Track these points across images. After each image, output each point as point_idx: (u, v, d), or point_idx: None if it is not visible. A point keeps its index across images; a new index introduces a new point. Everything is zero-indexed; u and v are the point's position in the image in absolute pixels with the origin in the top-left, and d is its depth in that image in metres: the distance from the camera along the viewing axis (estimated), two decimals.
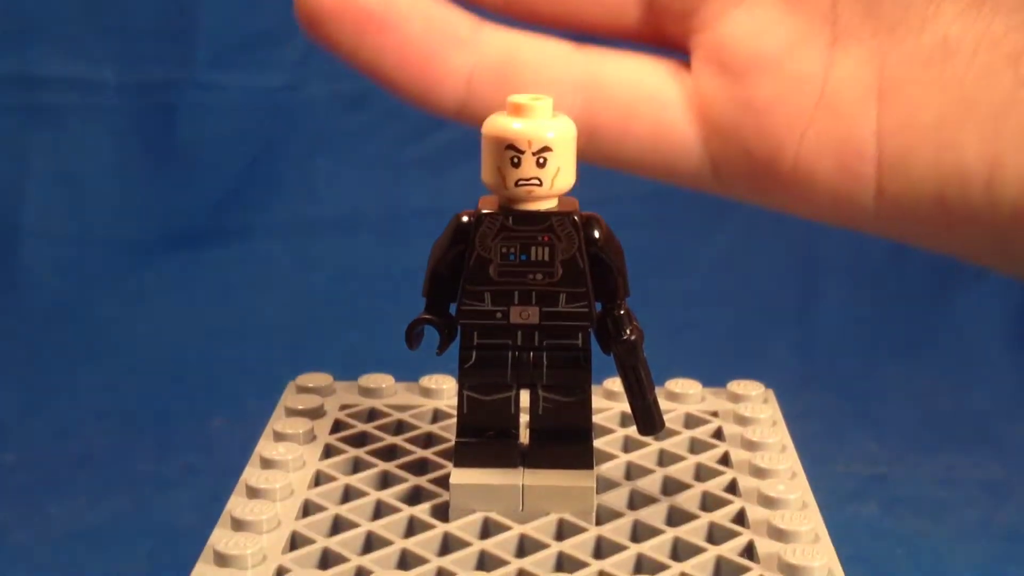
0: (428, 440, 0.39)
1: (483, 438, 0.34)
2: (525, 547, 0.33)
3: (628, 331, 0.33)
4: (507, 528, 0.33)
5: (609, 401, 0.41)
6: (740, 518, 0.35)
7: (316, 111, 0.93)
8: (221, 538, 0.32)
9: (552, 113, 0.32)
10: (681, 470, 0.37)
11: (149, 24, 0.91)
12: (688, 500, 0.35)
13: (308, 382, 0.42)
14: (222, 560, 0.32)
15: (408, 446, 0.38)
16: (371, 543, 0.33)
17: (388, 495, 0.35)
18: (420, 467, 0.37)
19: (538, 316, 0.33)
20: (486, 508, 0.34)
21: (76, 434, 0.75)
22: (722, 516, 0.34)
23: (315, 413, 0.40)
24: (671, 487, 0.36)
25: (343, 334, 0.85)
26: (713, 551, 0.33)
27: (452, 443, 0.35)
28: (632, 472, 0.37)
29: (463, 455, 0.34)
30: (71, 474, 0.71)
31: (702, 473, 0.37)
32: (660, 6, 0.32)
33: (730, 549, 0.33)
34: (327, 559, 0.33)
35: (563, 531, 0.34)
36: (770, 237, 0.94)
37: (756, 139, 0.31)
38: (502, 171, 0.32)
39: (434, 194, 0.92)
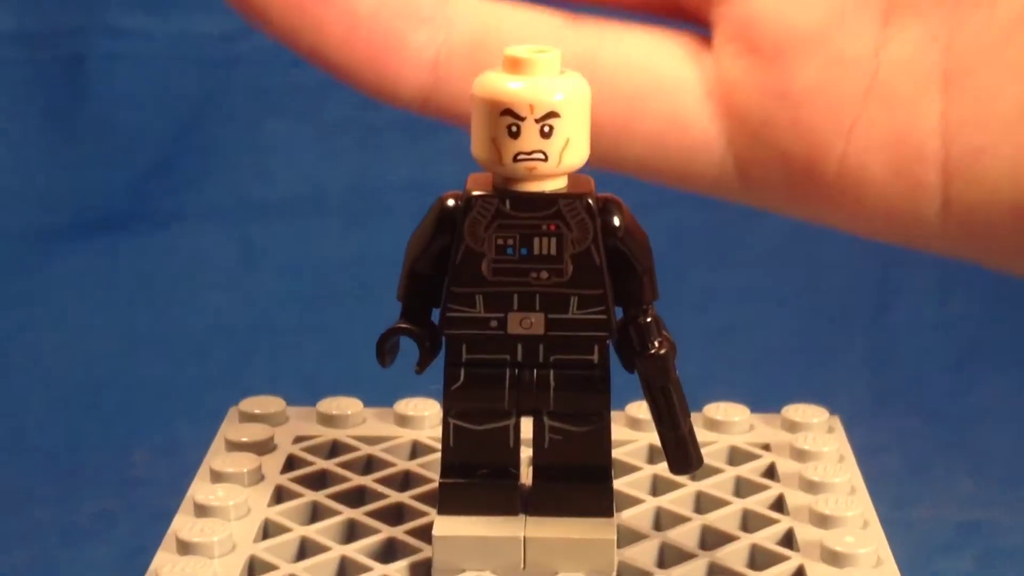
0: (405, 481, 0.39)
1: (474, 478, 0.34)
2: None
3: (656, 343, 0.33)
4: None
5: (633, 431, 0.42)
6: None
7: (263, 64, 0.93)
8: None
9: (560, 69, 0.32)
10: (724, 518, 0.37)
11: None
12: (733, 557, 0.35)
13: (254, 407, 0.42)
14: None
15: (380, 488, 0.38)
16: None
17: (355, 551, 0.35)
18: (396, 515, 0.37)
19: (543, 325, 0.33)
20: (478, 566, 0.34)
21: None
22: None
23: (263, 447, 0.40)
24: (711, 540, 0.36)
25: (299, 346, 0.84)
26: None
27: (435, 484, 0.35)
28: (662, 521, 0.37)
29: (449, 499, 0.34)
30: None
31: (750, 522, 0.37)
32: None
33: None
34: None
35: None
36: None
37: (793, 137, 0.31)
38: (497, 143, 0.32)
39: (413, 168, 0.92)
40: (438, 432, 0.38)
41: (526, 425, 0.34)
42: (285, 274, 0.90)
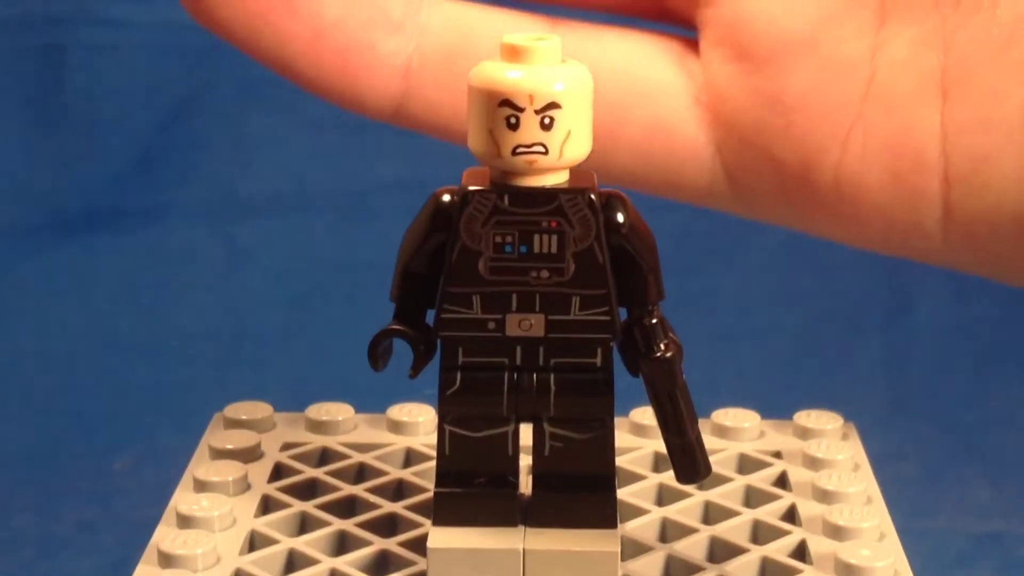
0: (399, 490, 0.39)
1: (471, 487, 0.34)
2: None
3: (663, 345, 0.33)
4: None
5: (637, 438, 0.42)
6: None
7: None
8: None
9: (561, 57, 0.32)
10: (733, 530, 0.37)
11: None
12: (742, 570, 0.35)
13: (240, 413, 0.42)
14: None
15: (372, 498, 0.38)
16: None
17: (346, 564, 0.35)
18: (388, 526, 0.37)
19: (543, 327, 0.33)
20: None
21: None
22: None
23: (249, 454, 0.40)
24: (720, 553, 0.36)
25: (286, 349, 0.84)
26: None
27: (430, 494, 0.35)
28: (668, 532, 0.37)
29: (445, 510, 0.34)
30: None
31: (761, 534, 0.37)
32: None
33: None
34: None
35: None
36: None
37: (785, 145, 0.31)
38: (495, 135, 0.32)
39: (405, 163, 0.91)
40: (433, 439, 0.37)
41: (525, 432, 0.34)
42: (272, 273, 0.90)
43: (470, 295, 0.33)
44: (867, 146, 0.31)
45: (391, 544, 0.36)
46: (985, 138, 0.30)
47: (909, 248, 0.32)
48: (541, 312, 0.33)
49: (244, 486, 0.38)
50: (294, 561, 0.36)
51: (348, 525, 0.37)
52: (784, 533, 0.37)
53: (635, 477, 0.39)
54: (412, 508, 0.38)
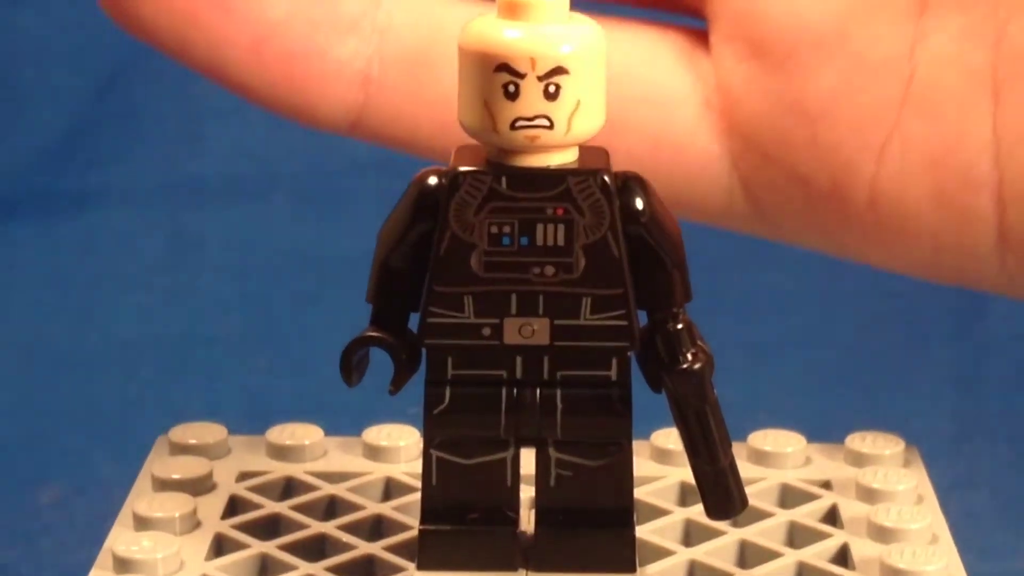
0: (377, 527, 0.39)
1: (463, 524, 0.34)
2: None
3: (690, 355, 0.33)
4: None
5: (660, 465, 0.42)
6: None
7: None
8: None
9: (568, 15, 0.32)
10: (774, 574, 0.37)
11: None
12: None
13: (188, 436, 0.42)
14: None
15: (345, 537, 0.38)
16: None
17: None
18: (365, 570, 0.37)
19: (548, 333, 0.33)
20: None
21: None
22: None
23: (199, 485, 0.40)
24: None
25: (243, 359, 0.84)
26: None
27: (414, 532, 0.35)
28: None
29: (432, 551, 0.34)
30: None
31: None
32: None
33: None
34: None
35: None
36: None
37: (811, 158, 0.31)
38: (491, 106, 0.32)
39: None
40: (417, 467, 0.38)
41: (527, 458, 0.34)
42: (226, 269, 0.90)
43: (461, 296, 0.33)
44: (906, 159, 0.31)
45: None
46: None
47: (961, 275, 0.32)
48: (545, 316, 0.33)
49: (193, 523, 0.38)
50: None
51: (317, 569, 0.37)
52: None
53: (657, 512, 0.39)
54: (392, 549, 0.37)
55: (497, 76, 0.31)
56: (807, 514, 0.40)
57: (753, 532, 0.39)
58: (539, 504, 0.34)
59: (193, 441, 0.42)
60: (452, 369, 0.33)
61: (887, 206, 0.31)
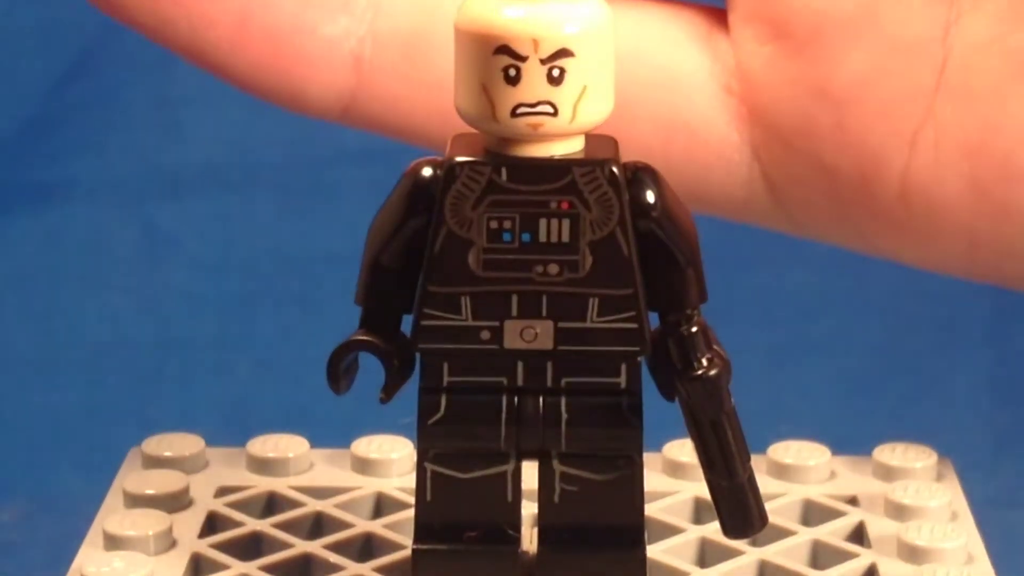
0: (366, 547, 0.39)
1: (460, 544, 0.34)
2: None
3: (705, 361, 0.33)
4: None
5: (673, 479, 0.42)
6: None
7: None
8: None
9: None
10: None
11: None
12: None
13: (163, 448, 0.42)
14: None
15: (333, 557, 0.38)
16: None
17: None
18: None
19: (552, 337, 0.33)
20: None
21: None
22: None
23: (175, 501, 0.40)
24: None
25: (222, 365, 0.85)
26: None
27: (407, 552, 0.35)
28: None
29: (426, 572, 0.34)
30: None
31: None
32: None
33: None
34: None
35: None
36: None
37: (838, 147, 0.31)
38: (490, 91, 0.32)
39: None
40: (410, 481, 0.38)
41: (529, 472, 0.34)
42: (204, 268, 0.90)
43: (458, 296, 0.33)
44: (940, 148, 0.31)
45: None
46: None
47: (1000, 273, 0.32)
48: (549, 318, 0.33)
49: (168, 542, 0.38)
50: None
51: None
52: None
53: (670, 530, 0.39)
54: (383, 570, 0.38)
55: (497, 59, 0.32)
56: (832, 532, 0.40)
57: (773, 552, 0.39)
58: (542, 522, 0.34)
59: (168, 453, 0.42)
60: (448, 376, 0.33)
61: (919, 199, 0.32)
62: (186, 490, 0.40)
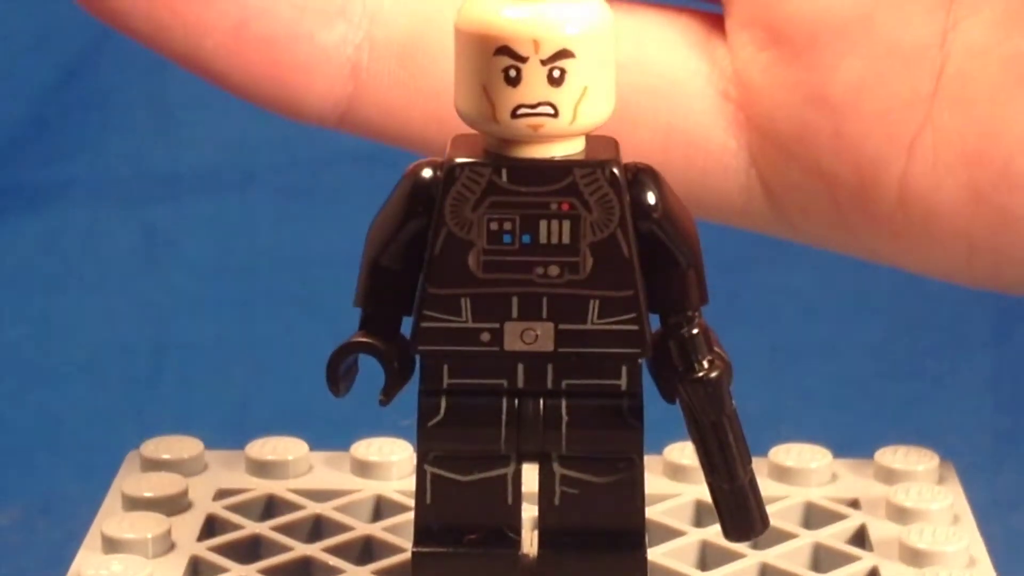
0: (366, 550, 0.39)
1: (459, 546, 0.34)
2: None
3: (706, 363, 0.33)
4: None
5: (674, 482, 0.42)
6: None
7: None
8: None
9: None
10: None
11: None
12: None
13: (162, 451, 0.42)
14: None
15: (332, 560, 0.38)
16: None
17: None
18: None
19: (552, 339, 0.33)
20: None
21: None
22: None
23: (173, 504, 0.40)
24: None
25: (220, 368, 0.84)
26: None
27: (407, 555, 0.35)
28: None
29: (426, 574, 0.34)
30: None
31: None
32: None
33: None
34: None
35: None
36: None
37: (836, 154, 0.31)
38: (490, 92, 0.32)
39: None
40: (409, 484, 0.38)
41: (529, 475, 0.34)
42: (201, 269, 0.90)
43: (458, 298, 0.33)
44: (938, 154, 0.31)
45: None
46: None
47: (999, 280, 0.32)
48: (549, 320, 0.33)
49: (167, 545, 0.38)
50: None
51: None
52: None
53: (671, 533, 0.39)
54: (383, 573, 0.38)
55: (497, 60, 0.32)
56: (833, 535, 0.40)
57: (775, 555, 0.39)
58: (542, 525, 0.34)
59: (167, 456, 0.42)
60: (448, 378, 0.33)
61: (918, 205, 0.32)
62: (185, 493, 0.40)
